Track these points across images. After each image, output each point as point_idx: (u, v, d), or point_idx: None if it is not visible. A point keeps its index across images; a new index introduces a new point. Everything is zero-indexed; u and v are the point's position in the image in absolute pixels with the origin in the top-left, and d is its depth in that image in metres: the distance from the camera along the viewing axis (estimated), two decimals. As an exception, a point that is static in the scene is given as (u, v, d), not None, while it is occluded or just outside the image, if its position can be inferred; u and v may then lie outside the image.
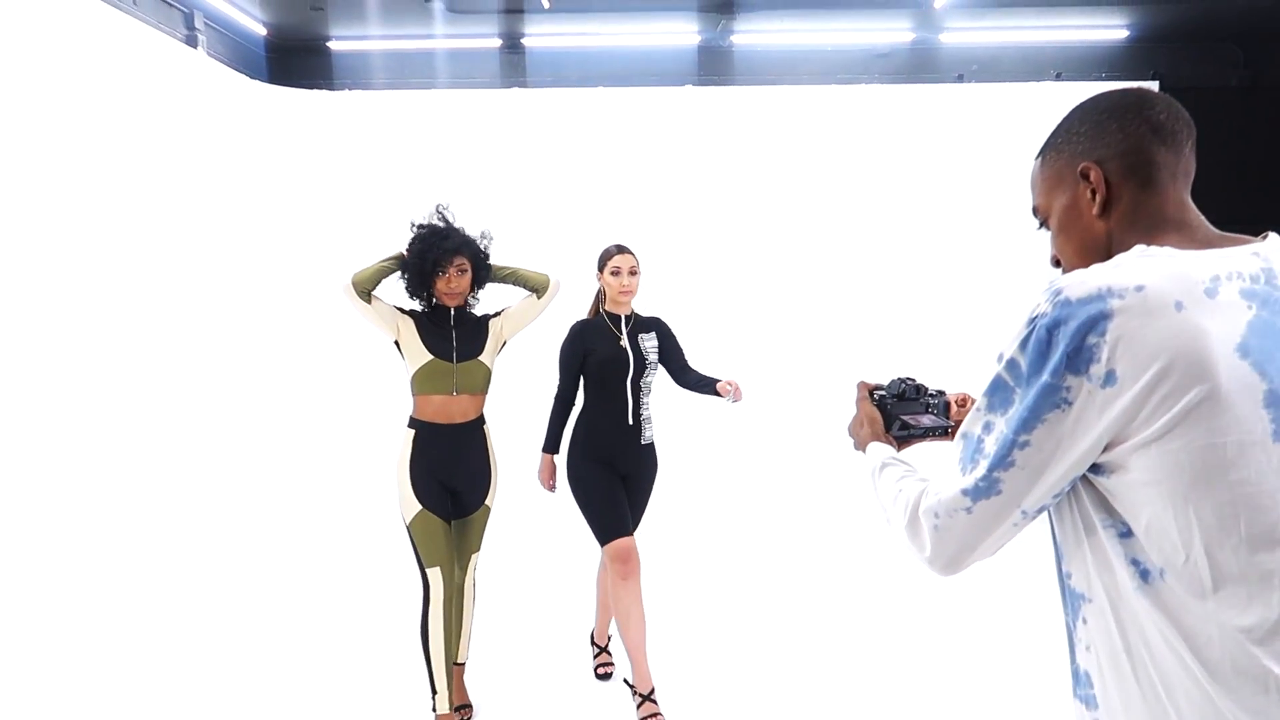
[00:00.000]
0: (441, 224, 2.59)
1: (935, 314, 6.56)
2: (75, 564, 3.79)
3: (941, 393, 1.24)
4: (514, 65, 8.36)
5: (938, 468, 0.96)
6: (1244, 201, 7.42)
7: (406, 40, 8.19)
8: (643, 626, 2.60)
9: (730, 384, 2.62)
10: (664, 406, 3.07)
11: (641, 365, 2.73)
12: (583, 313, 2.88)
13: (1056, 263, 1.01)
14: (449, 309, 2.60)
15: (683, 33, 8.24)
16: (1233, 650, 0.78)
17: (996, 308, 5.22)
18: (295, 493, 5.13)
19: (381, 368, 4.06)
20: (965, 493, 0.87)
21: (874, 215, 6.73)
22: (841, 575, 3.84)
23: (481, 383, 2.61)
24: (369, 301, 2.52)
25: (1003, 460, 0.85)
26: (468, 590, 2.66)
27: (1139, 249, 0.85)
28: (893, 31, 8.25)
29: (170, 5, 6.73)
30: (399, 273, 2.58)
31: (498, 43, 8.32)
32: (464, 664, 2.71)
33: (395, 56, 8.44)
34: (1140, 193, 0.91)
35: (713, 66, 8.34)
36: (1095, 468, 0.84)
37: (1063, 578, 0.93)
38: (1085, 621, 0.89)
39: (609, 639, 3.03)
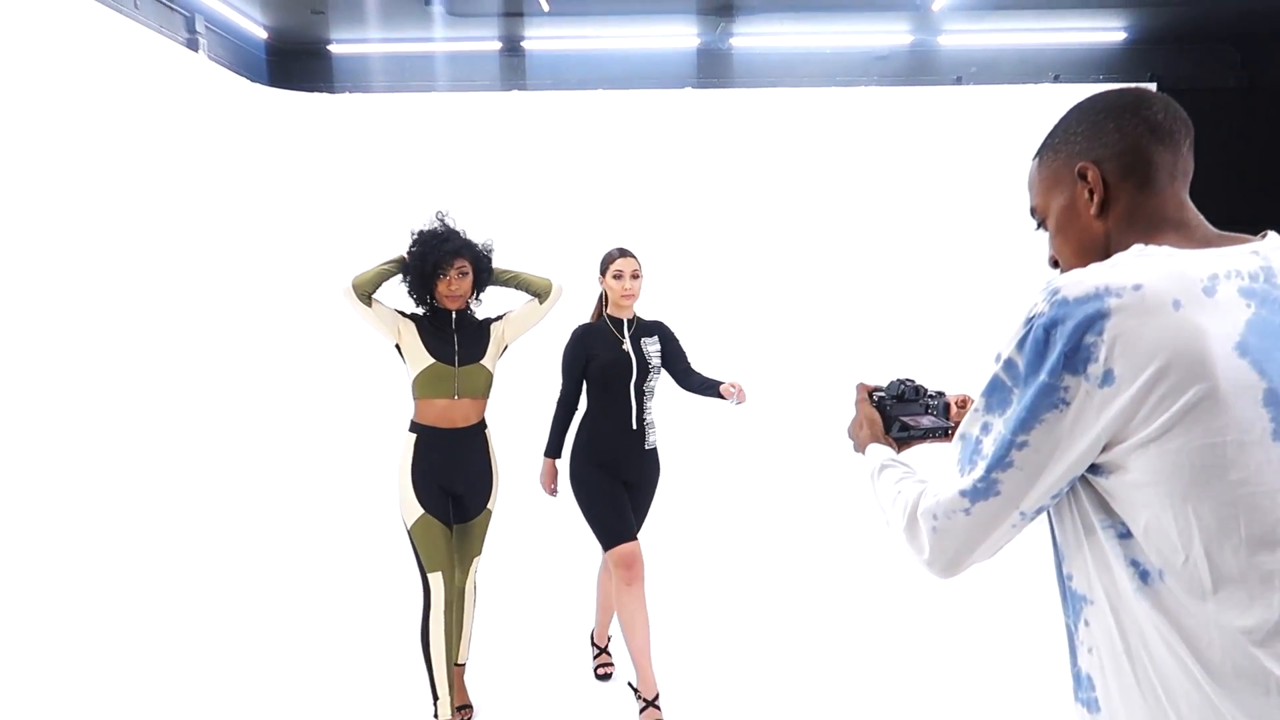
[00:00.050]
0: (442, 228, 2.59)
1: (935, 315, 6.56)
2: (77, 567, 3.79)
3: (941, 394, 1.24)
4: (514, 68, 8.37)
5: (937, 469, 0.96)
6: (1243, 202, 7.41)
7: (407, 43, 8.20)
8: (647, 632, 2.59)
9: (734, 386, 2.62)
10: (664, 409, 3.06)
11: (644, 369, 2.72)
12: (584, 316, 2.88)
13: (1055, 263, 1.01)
14: (450, 312, 2.60)
15: (682, 35, 8.25)
16: (1233, 652, 0.77)
17: (995, 309, 5.22)
18: (296, 497, 5.12)
19: (382, 372, 4.06)
20: (963, 494, 0.87)
21: (873, 217, 6.74)
22: (844, 579, 3.84)
23: (483, 387, 2.60)
24: (369, 304, 2.51)
25: (1001, 461, 0.84)
26: (469, 592, 2.66)
27: (1137, 248, 0.84)
28: (891, 34, 8.26)
29: (171, 9, 6.75)
30: (400, 276, 2.58)
31: (497, 45, 8.33)
32: (464, 664, 2.71)
33: (395, 59, 8.45)
34: (1138, 192, 0.91)
35: (712, 69, 8.35)
36: (1094, 468, 0.84)
37: (1063, 579, 0.92)
38: (1087, 623, 0.88)
39: (609, 640, 3.03)
